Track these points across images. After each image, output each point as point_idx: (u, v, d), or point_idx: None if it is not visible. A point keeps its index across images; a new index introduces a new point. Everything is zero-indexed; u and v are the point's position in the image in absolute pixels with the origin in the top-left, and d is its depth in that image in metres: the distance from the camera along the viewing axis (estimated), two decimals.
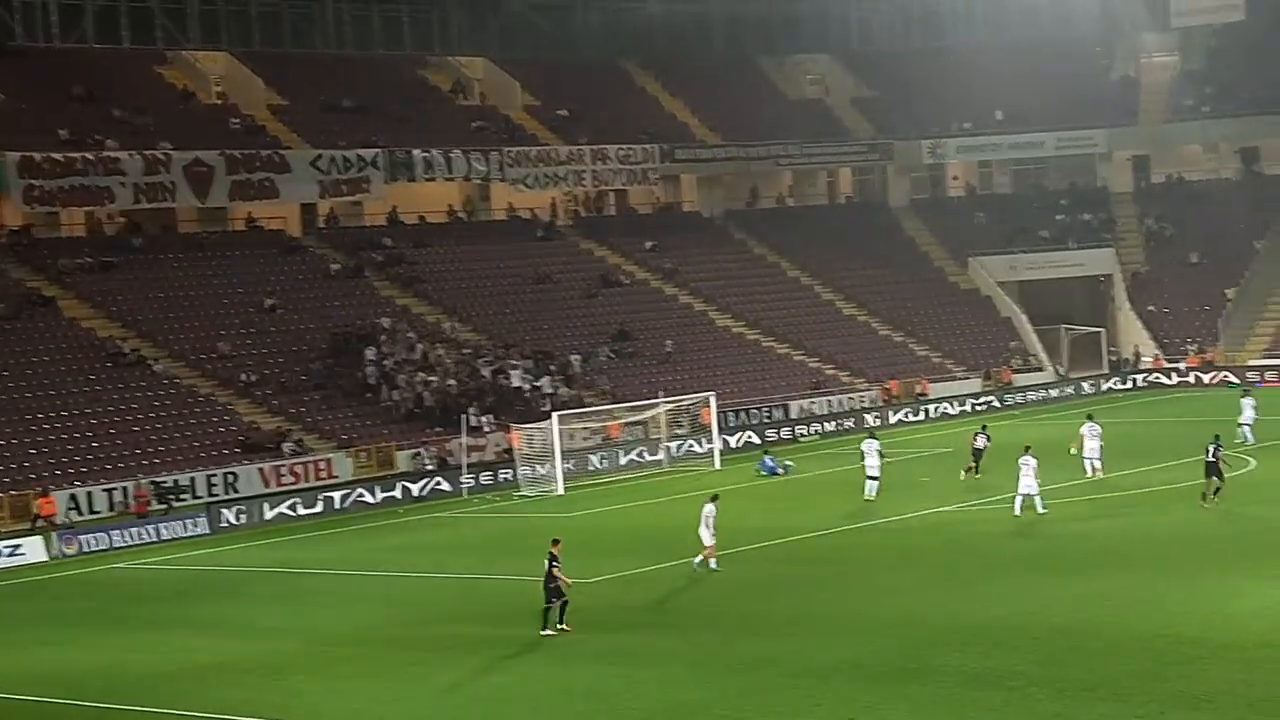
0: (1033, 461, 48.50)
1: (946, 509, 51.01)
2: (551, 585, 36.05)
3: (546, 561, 36.28)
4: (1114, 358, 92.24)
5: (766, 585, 40.62)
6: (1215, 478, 47.68)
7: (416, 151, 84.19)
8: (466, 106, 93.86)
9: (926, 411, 79.74)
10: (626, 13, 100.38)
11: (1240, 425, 61.65)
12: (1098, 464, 54.83)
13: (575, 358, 76.50)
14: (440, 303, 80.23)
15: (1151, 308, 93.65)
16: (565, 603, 36.20)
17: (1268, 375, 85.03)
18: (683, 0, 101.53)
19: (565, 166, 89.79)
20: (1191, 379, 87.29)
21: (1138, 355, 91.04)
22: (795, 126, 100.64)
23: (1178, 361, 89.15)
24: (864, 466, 53.59)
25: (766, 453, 64.76)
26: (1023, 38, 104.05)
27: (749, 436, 72.12)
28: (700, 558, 42.07)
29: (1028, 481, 48.01)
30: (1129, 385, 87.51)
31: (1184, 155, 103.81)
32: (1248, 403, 62.55)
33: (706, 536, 41.82)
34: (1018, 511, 48.00)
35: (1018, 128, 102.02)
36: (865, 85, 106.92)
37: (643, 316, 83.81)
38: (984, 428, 58.12)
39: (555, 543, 36.86)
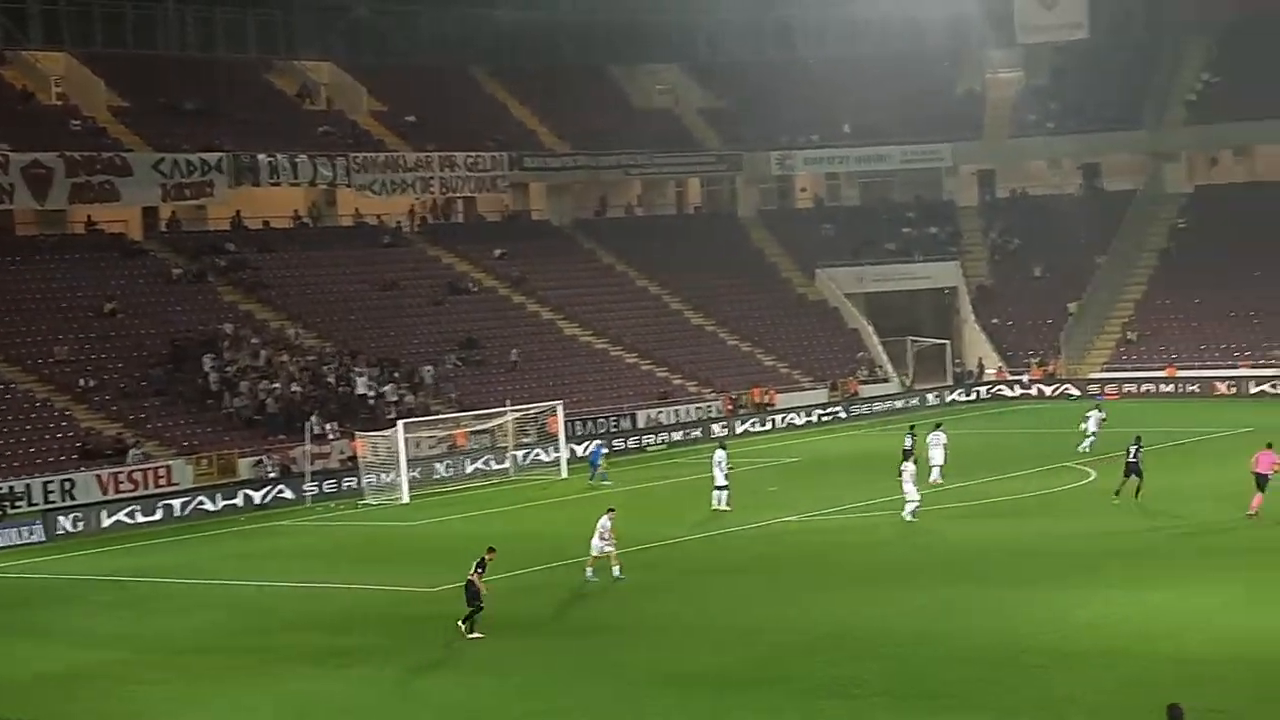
0: (911, 468, 48.83)
1: (793, 518, 51.04)
2: (472, 590, 35.76)
3: (475, 566, 35.97)
4: (958, 370, 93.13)
5: (621, 594, 40.34)
6: (1135, 476, 48.75)
7: (261, 156, 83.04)
8: (313, 111, 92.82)
9: (774, 422, 79.94)
10: (475, 19, 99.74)
11: (1085, 435, 62.34)
12: (938, 474, 55.23)
13: (428, 369, 75.71)
14: (284, 309, 79.21)
15: (995, 320, 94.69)
16: (479, 609, 35.90)
17: (1108, 388, 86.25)
18: (532, 7, 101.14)
19: (413, 173, 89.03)
20: (1034, 391, 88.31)
21: (982, 367, 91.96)
22: (644, 136, 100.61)
23: (1021, 374, 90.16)
24: (713, 477, 53.44)
25: (598, 442, 65.03)
26: (871, 52, 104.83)
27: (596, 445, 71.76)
28: (591, 570, 41.66)
29: (909, 488, 48.19)
30: (973, 397, 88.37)
31: (1028, 170, 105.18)
32: (1095, 414, 63.13)
33: (596, 547, 41.45)
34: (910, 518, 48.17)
35: (865, 141, 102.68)
36: (715, 96, 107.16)
37: (490, 324, 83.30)
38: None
39: (490, 551, 36.75)
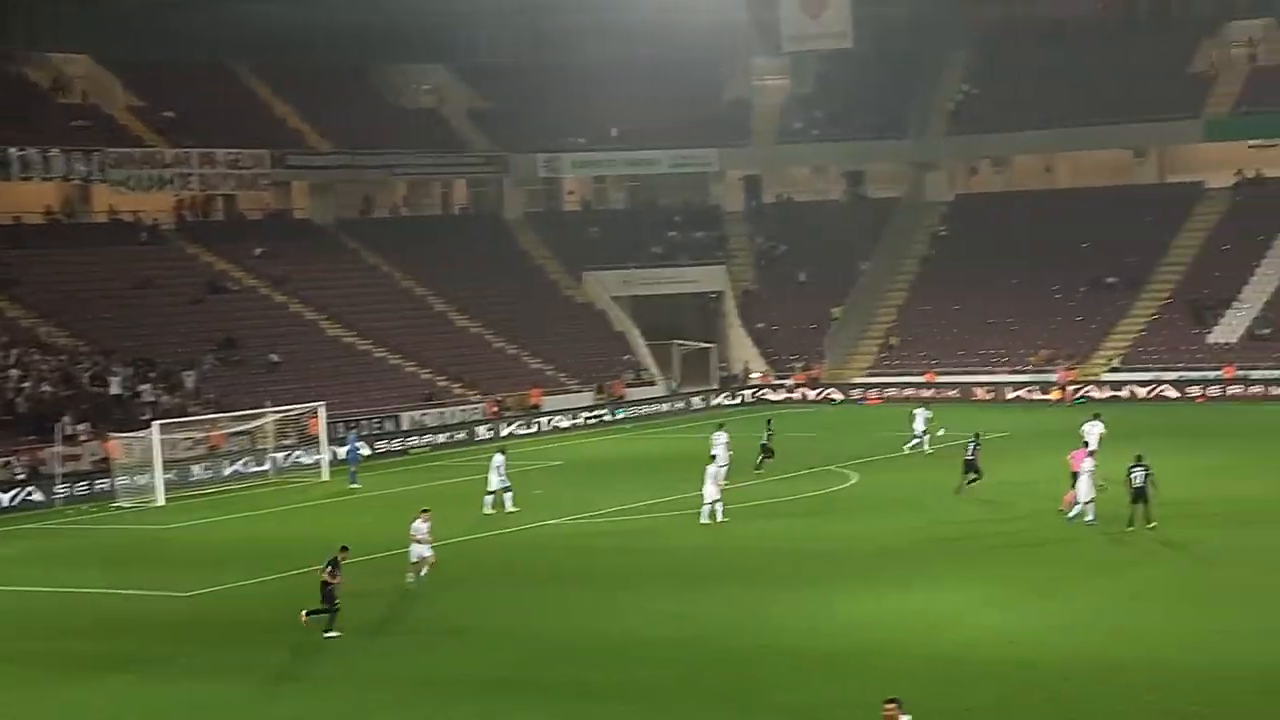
0: (713, 470, 48.42)
1: (558, 521, 50.54)
2: (327, 589, 35.05)
3: (329, 565, 35.25)
4: (724, 373, 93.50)
5: (390, 596, 39.41)
6: (973, 473, 50.44)
7: (13, 150, 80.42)
8: (67, 105, 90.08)
9: (539, 424, 79.45)
10: (235, 14, 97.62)
11: (915, 436, 62.59)
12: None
13: (189, 374, 73.75)
14: (35, 307, 76.75)
15: (761, 325, 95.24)
16: (336, 610, 35.16)
17: (870, 393, 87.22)
18: (295, 5, 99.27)
19: (171, 169, 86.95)
20: (798, 395, 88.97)
21: (747, 371, 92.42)
22: (410, 136, 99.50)
23: (785, 378, 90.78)
24: (487, 480, 52.59)
25: (356, 442, 63.99)
26: (641, 56, 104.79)
27: (360, 448, 70.58)
28: (412, 575, 40.59)
29: (710, 489, 47.77)
30: (738, 401, 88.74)
31: (794, 176, 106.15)
32: (921, 413, 63.41)
33: (415, 552, 40.58)
34: (707, 520, 47.77)
35: (633, 145, 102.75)
36: (482, 98, 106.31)
37: (251, 324, 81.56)
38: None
39: (344, 549, 36.22)
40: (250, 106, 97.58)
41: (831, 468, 59.51)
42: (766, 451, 59.67)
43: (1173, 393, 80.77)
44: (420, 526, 40.78)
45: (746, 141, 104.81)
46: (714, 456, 52.67)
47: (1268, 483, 51.36)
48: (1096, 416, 55.85)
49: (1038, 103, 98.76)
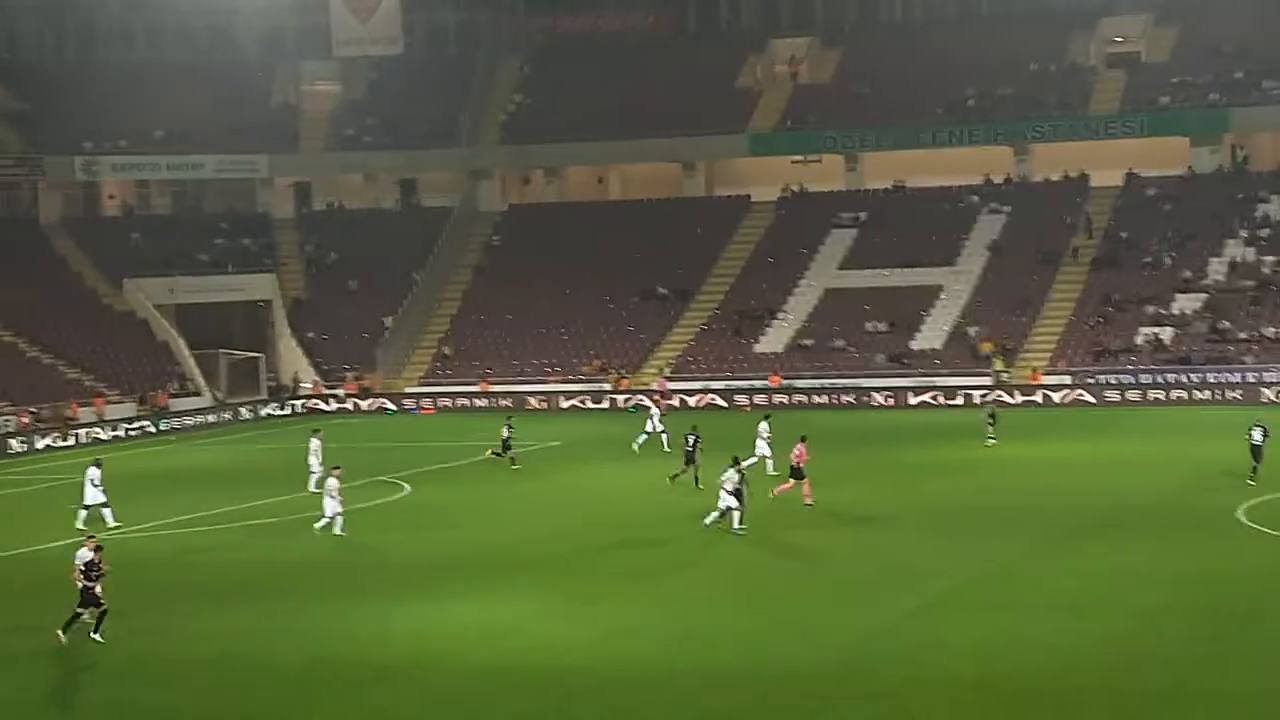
0: (335, 483, 46.00)
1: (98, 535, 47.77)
2: (88, 589, 33.17)
3: (81, 564, 33.17)
4: (273, 384, 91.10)
5: None
6: (691, 466, 51.50)
7: None
8: None
9: (77, 436, 75.85)
10: None
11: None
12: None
13: None
14: None
15: (312, 334, 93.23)
16: (104, 611, 33.35)
17: (424, 402, 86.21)
18: None
19: None
20: (350, 405, 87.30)
21: (297, 381, 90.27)
22: None
23: (336, 388, 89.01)
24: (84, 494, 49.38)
25: None
26: (185, 59, 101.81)
27: None
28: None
29: (332, 504, 45.48)
30: (288, 411, 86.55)
31: (346, 184, 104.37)
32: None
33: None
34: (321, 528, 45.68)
35: (177, 148, 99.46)
36: (14, 97, 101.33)
37: None
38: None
39: (97, 549, 33.80)
40: None
41: (384, 478, 58.14)
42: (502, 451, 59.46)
43: (721, 402, 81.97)
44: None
45: (296, 147, 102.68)
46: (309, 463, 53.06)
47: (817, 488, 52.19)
48: (767, 417, 57.14)
49: (590, 114, 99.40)
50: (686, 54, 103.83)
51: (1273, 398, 73.45)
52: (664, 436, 62.39)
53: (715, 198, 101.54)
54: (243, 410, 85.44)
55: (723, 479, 43.64)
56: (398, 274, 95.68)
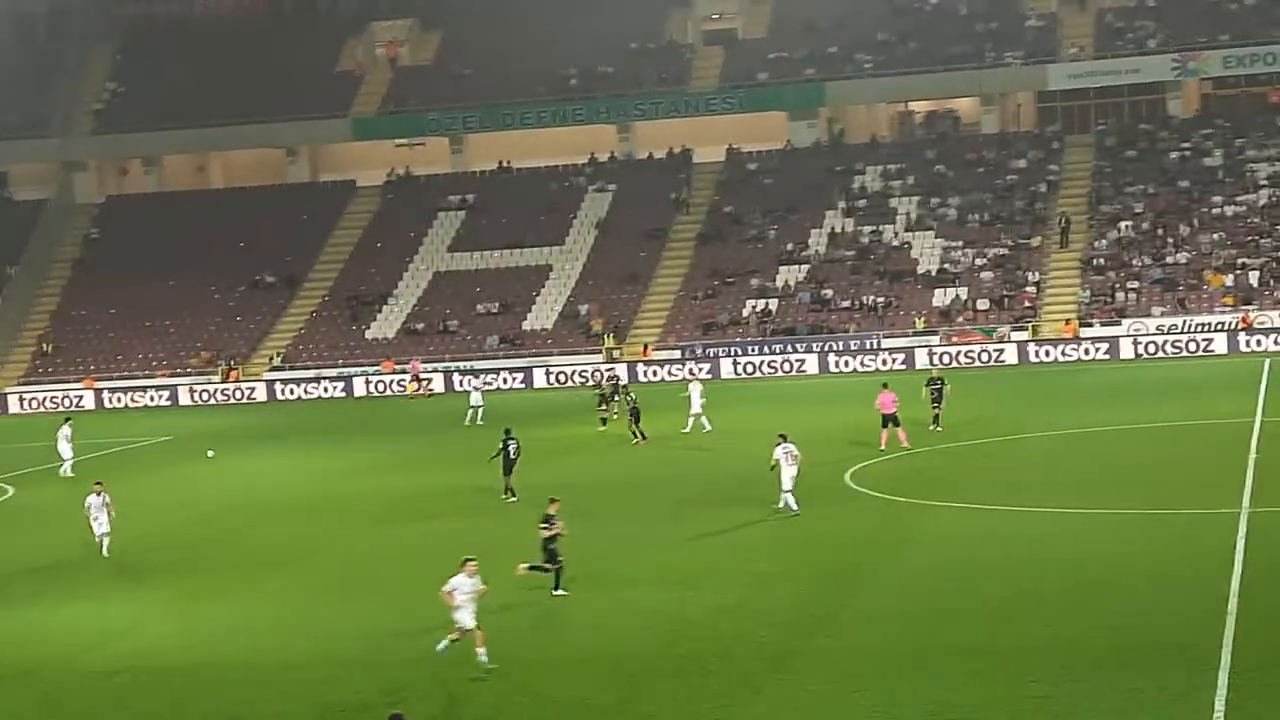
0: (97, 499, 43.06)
1: None
2: (552, 545, 33.08)
3: (544, 523, 33.08)
4: None
5: None
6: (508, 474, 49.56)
7: None
8: None
9: None
10: None
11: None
12: None
13: None
14: None
15: None
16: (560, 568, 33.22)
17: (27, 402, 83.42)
18: None
19: None
20: None
21: None
22: None
23: None
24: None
25: None
26: None
27: None
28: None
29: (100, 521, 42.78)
30: None
31: None
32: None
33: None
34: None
35: None
36: None
37: None
38: None
39: (553, 501, 33.71)
40: None
41: None
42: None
43: (337, 390, 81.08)
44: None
45: None
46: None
47: (416, 476, 51.93)
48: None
49: (187, 102, 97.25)
50: (286, 38, 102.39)
51: (879, 365, 75.80)
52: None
53: (320, 183, 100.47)
54: None
55: (779, 453, 40.45)
56: None
